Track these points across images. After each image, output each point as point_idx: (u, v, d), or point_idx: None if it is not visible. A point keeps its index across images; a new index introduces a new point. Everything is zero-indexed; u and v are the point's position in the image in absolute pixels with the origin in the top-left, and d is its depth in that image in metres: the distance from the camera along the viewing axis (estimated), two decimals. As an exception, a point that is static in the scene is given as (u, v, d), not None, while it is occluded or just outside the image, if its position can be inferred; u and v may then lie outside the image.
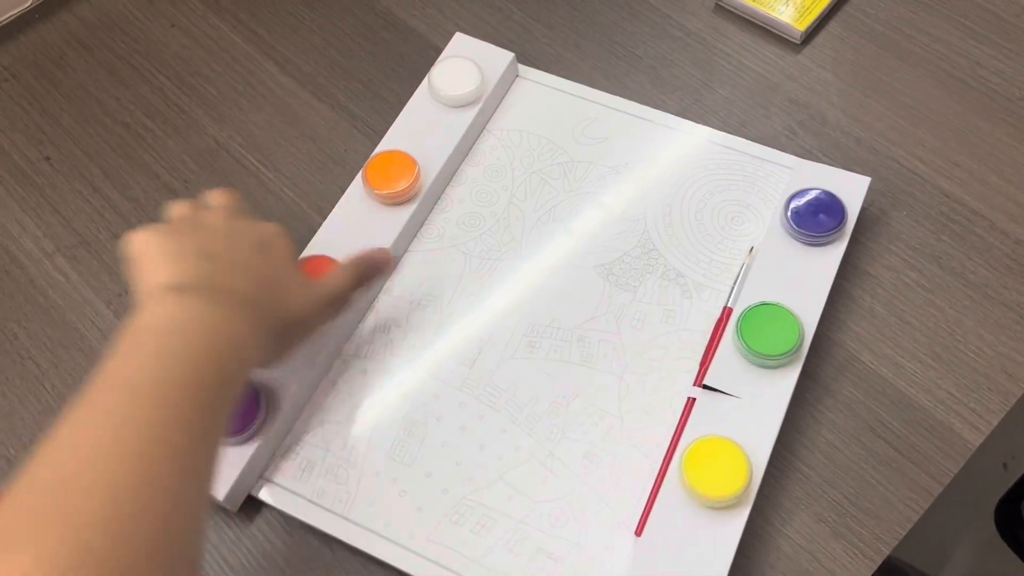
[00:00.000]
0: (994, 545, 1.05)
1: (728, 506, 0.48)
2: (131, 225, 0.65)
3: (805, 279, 0.55)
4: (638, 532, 0.50)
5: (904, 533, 0.51)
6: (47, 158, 0.68)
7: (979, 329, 0.57)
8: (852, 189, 0.58)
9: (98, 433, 0.36)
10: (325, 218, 0.61)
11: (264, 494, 0.53)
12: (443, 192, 0.63)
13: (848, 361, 0.56)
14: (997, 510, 0.62)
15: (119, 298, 0.62)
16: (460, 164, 0.64)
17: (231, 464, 0.52)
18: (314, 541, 0.53)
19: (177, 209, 0.51)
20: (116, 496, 0.34)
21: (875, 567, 0.50)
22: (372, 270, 0.55)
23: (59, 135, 0.69)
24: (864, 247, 0.60)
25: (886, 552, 0.51)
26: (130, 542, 0.33)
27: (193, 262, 0.45)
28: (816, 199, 0.57)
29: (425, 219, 0.62)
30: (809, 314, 0.54)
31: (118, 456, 0.35)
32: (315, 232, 0.60)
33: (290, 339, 0.50)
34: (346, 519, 0.52)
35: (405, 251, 0.61)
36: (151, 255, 0.45)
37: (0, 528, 0.33)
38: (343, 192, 0.62)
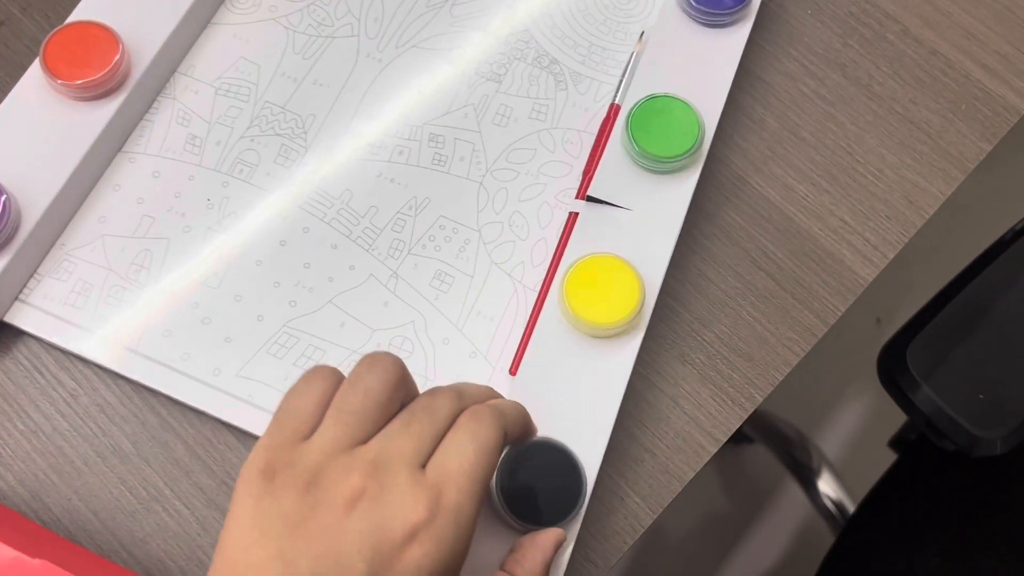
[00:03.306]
0: (864, 398, 1.09)
1: (618, 333, 0.44)
2: None
3: (703, 69, 0.50)
4: (512, 370, 0.44)
5: (781, 378, 0.48)
6: None
7: (881, 148, 0.54)
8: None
9: None
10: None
11: (20, 319, 0.44)
12: (260, -50, 0.53)
13: (732, 181, 0.52)
14: (880, 359, 0.61)
15: None
16: (282, -85, 0.54)
17: (-29, 281, 0.42)
18: (79, 378, 0.44)
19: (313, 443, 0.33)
20: None
21: (746, 415, 0.47)
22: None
23: None
24: (760, 49, 0.55)
25: (759, 399, 0.48)
26: None
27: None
28: None
29: (236, -18, 0.52)
30: (709, 109, 0.49)
31: None
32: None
33: None
34: (133, 351, 0.44)
35: (208, 23, 0.51)
36: (244, 526, 0.32)
37: None
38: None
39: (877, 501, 0.70)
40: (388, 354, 0.34)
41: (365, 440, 0.32)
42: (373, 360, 0.34)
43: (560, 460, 0.41)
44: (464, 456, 0.32)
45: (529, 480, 0.40)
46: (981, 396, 0.57)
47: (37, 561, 0.36)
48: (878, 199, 0.52)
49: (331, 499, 0.31)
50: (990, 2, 0.57)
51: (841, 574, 0.68)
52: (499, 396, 0.37)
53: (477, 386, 0.36)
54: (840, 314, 0.50)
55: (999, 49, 0.56)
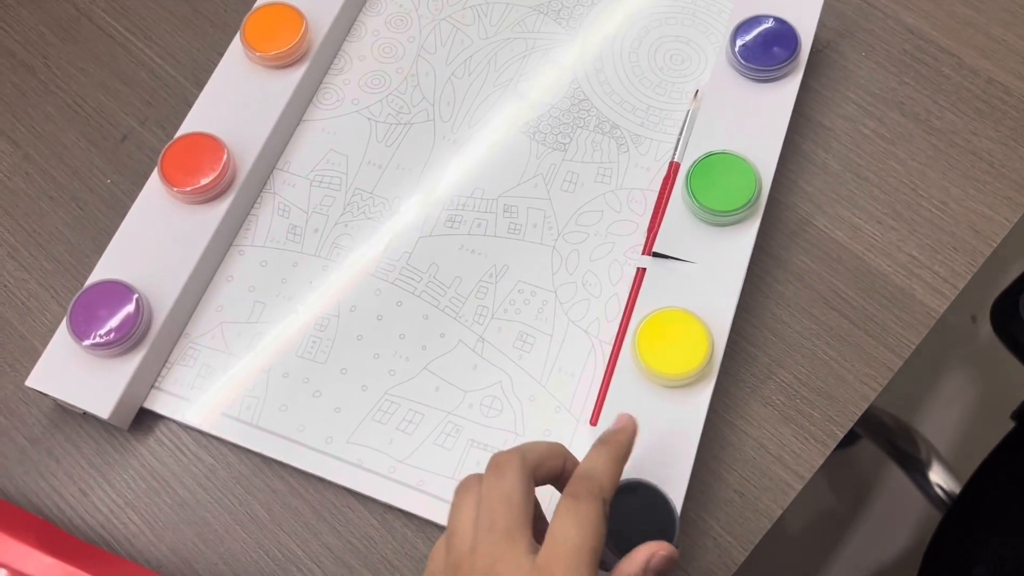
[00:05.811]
0: (963, 394, 1.10)
1: (690, 383, 0.49)
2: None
3: (758, 122, 0.55)
4: (593, 421, 0.50)
5: (860, 413, 0.52)
6: None
7: (944, 182, 0.57)
8: (803, 14, 0.58)
9: None
10: (204, 89, 0.58)
11: (158, 405, 0.52)
12: (339, 49, 0.60)
13: (799, 226, 0.56)
14: (994, 308, 0.64)
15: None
16: (356, 15, 0.61)
17: (115, 377, 0.50)
18: (216, 454, 0.52)
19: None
20: None
21: (828, 451, 0.51)
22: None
23: None
24: (817, 95, 0.59)
25: (840, 435, 0.52)
26: None
27: None
28: (764, 28, 0.57)
29: (320, 82, 0.60)
30: (765, 161, 0.54)
31: None
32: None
33: None
34: (255, 426, 0.51)
35: (300, 121, 0.59)
36: None
37: None
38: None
39: (978, 486, 0.73)
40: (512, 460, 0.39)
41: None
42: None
43: (649, 498, 0.43)
44: (568, 536, 0.36)
45: (620, 518, 0.43)
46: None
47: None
48: (944, 232, 0.56)
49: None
50: (1044, 26, 0.60)
51: (947, 555, 0.70)
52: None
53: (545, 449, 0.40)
54: (914, 347, 0.53)
55: (1056, 72, 0.59)
